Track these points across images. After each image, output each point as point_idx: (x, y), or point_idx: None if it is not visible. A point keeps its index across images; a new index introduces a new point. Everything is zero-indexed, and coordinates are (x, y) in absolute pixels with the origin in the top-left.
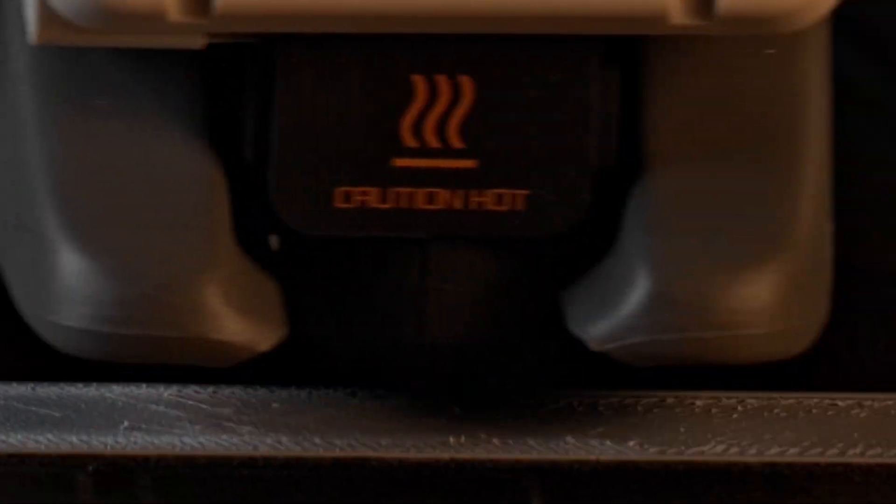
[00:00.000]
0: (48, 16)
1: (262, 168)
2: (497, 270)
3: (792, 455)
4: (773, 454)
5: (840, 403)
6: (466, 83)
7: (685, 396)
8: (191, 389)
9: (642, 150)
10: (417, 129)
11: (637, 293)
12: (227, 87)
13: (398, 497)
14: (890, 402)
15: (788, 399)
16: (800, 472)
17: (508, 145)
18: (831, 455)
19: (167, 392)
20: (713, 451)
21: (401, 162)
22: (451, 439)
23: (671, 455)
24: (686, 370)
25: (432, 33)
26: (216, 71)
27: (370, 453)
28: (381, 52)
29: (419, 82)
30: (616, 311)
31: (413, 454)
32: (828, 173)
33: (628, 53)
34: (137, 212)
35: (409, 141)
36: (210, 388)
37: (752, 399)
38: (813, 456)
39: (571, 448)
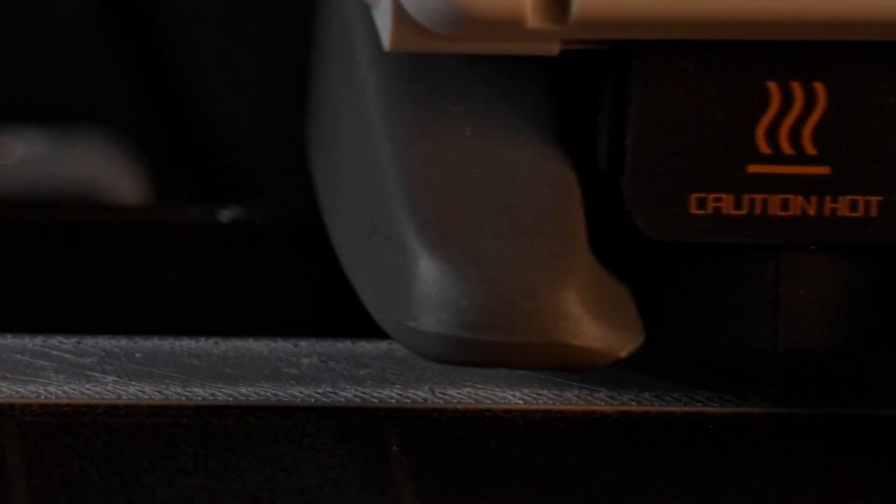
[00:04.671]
0: (403, 22)
1: (615, 175)
2: (851, 277)
3: None
4: None
5: None
6: (820, 89)
7: None
8: (55, 340)
9: None
10: (772, 136)
11: None
12: (579, 93)
13: (262, 445)
14: None
15: None
16: None
17: (862, 152)
18: None
19: (32, 342)
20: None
21: (755, 168)
22: (312, 388)
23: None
24: None
25: (785, 40)
26: (569, 77)
27: (231, 402)
28: (736, 58)
29: (774, 89)
30: None
31: (273, 402)
32: None
33: None
34: (494, 217)
35: (764, 147)
36: (74, 339)
37: None
38: None
39: (429, 396)
